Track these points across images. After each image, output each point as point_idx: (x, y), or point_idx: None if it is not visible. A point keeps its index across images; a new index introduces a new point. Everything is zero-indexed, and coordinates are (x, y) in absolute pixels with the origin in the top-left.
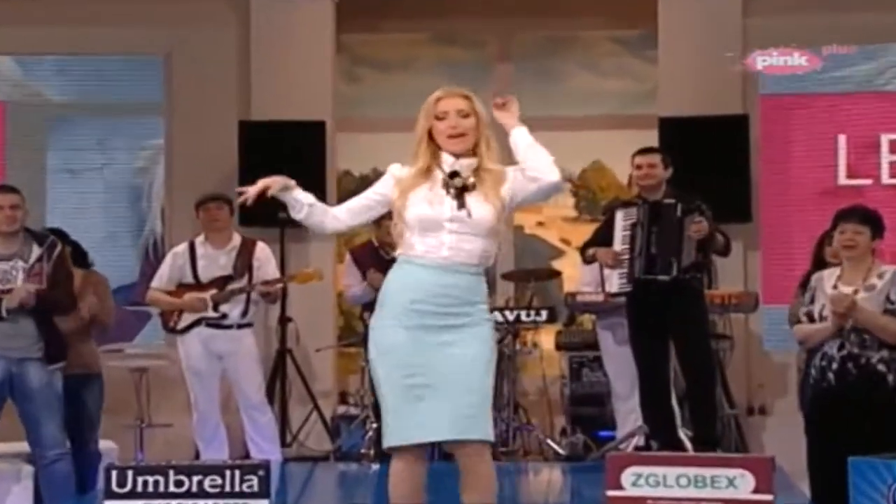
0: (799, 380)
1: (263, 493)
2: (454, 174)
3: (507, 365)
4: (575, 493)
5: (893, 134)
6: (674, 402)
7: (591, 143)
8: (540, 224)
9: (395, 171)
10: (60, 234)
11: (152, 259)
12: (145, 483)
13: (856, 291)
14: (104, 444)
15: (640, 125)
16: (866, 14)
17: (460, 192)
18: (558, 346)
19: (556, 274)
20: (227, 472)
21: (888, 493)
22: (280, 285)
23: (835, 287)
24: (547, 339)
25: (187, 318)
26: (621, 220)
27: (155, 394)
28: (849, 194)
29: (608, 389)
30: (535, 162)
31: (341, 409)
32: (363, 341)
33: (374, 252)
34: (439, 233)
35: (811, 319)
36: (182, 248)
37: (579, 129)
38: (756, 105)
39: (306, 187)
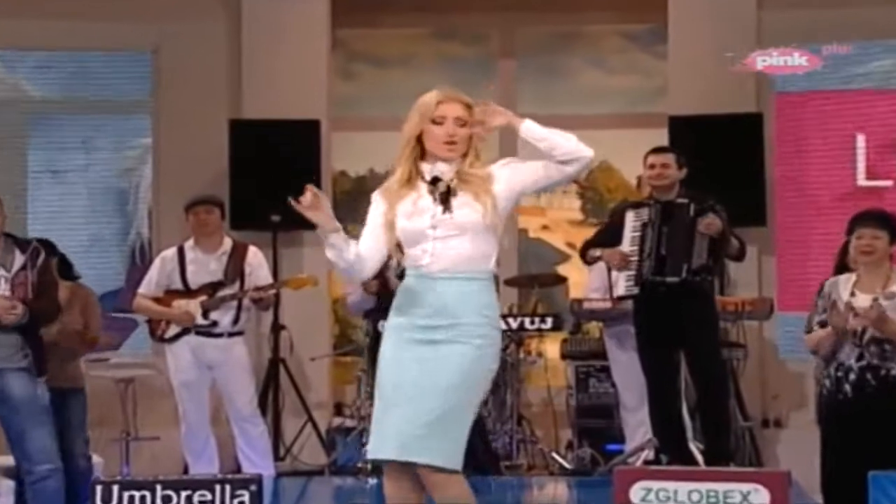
0: (817, 391)
1: None
2: (436, 180)
3: (510, 375)
4: None
5: None
6: (685, 413)
7: (597, 142)
8: (545, 227)
9: (377, 193)
10: (48, 245)
11: (139, 264)
12: (132, 498)
13: (875, 300)
14: None
15: (650, 124)
16: (887, 8)
17: (445, 197)
18: (564, 355)
19: (562, 280)
20: (218, 487)
21: None
22: (273, 291)
23: (852, 294)
24: (552, 347)
25: (175, 327)
26: (632, 221)
27: (142, 405)
28: (868, 196)
29: (616, 400)
30: (561, 144)
31: (337, 421)
32: (359, 350)
33: None
34: (423, 242)
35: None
36: (170, 252)
37: (585, 128)
38: (770, 103)
39: (300, 188)
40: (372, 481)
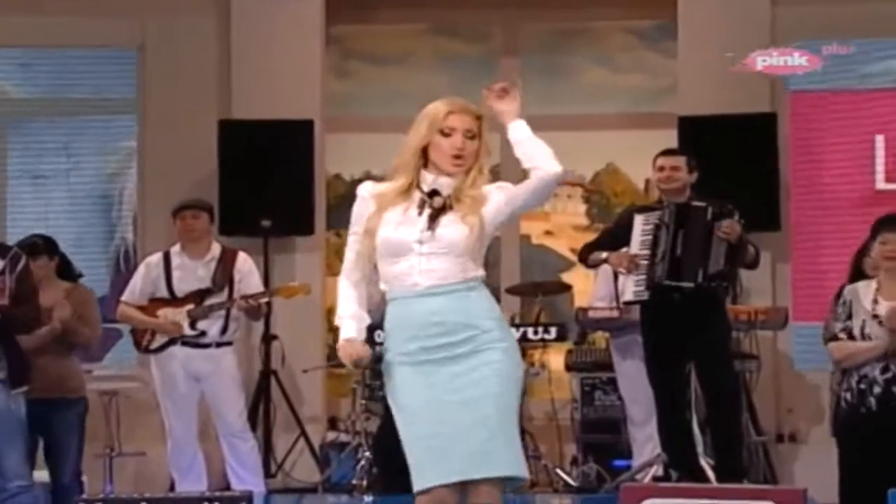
0: (833, 403)
1: None
2: (434, 193)
3: None
4: None
5: None
6: (695, 427)
7: (604, 144)
8: (548, 233)
9: (368, 189)
10: (49, 243)
11: (123, 271)
12: None
13: None
14: None
15: (658, 124)
16: None
17: (436, 213)
18: (568, 367)
19: (566, 288)
20: None
21: None
22: (264, 300)
23: (875, 302)
24: (556, 359)
25: (161, 337)
26: (641, 224)
27: (126, 419)
28: (888, 200)
29: (623, 414)
30: (534, 155)
31: (331, 436)
32: None
33: None
34: (408, 256)
35: (850, 337)
36: (156, 258)
37: (591, 128)
38: (785, 102)
39: (292, 192)
40: (367, 499)
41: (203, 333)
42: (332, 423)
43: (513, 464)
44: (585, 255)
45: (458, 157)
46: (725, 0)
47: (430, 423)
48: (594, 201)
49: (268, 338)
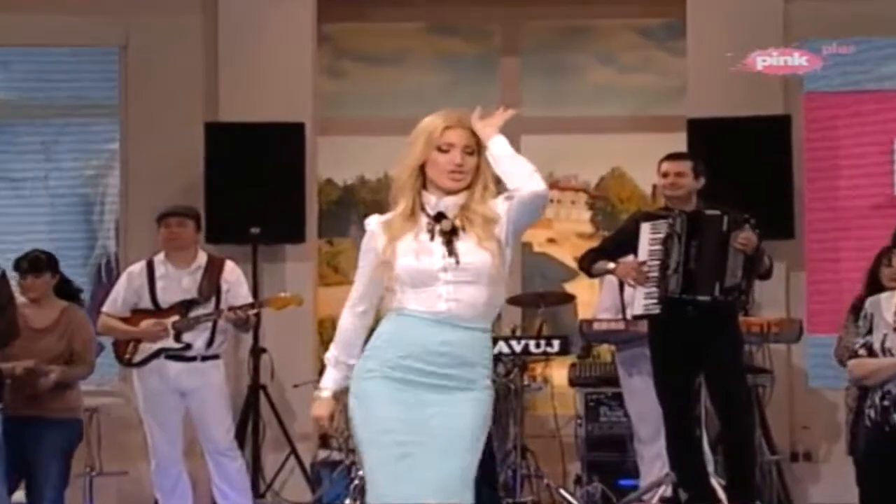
0: (849, 421)
1: None
2: (440, 216)
3: (513, 403)
4: None
5: None
6: (705, 445)
7: (609, 147)
8: (551, 241)
9: (375, 222)
10: (51, 261)
11: (105, 281)
12: None
13: None
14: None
15: (667, 127)
16: None
17: (449, 238)
18: (572, 382)
19: (570, 298)
20: None
21: None
22: (252, 311)
23: None
24: (559, 373)
25: (145, 350)
26: (649, 233)
27: (107, 437)
28: None
29: (630, 431)
30: (515, 175)
31: (322, 454)
32: None
33: None
34: (434, 285)
35: (871, 353)
36: (139, 267)
37: (596, 131)
38: (800, 104)
39: (283, 198)
40: None
41: (188, 346)
42: (324, 441)
43: (466, 495)
44: (588, 264)
45: (456, 172)
46: None
47: (398, 444)
48: (599, 208)
49: (256, 351)
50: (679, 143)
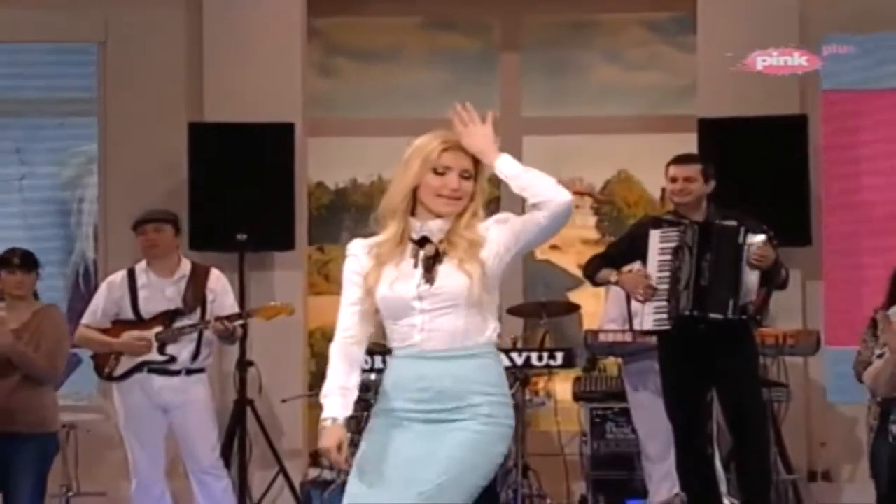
0: (870, 439)
1: None
2: (424, 240)
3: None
4: None
5: None
6: (718, 464)
7: (615, 149)
8: (554, 248)
9: (358, 247)
10: (30, 259)
11: (83, 290)
12: None
13: None
14: None
15: (676, 128)
16: None
17: (430, 263)
18: (577, 397)
19: (574, 308)
20: None
21: None
22: (239, 322)
23: None
24: (563, 387)
25: (126, 363)
26: (659, 242)
27: (85, 455)
28: None
29: (637, 449)
30: (537, 187)
31: (313, 473)
32: None
33: None
34: (410, 316)
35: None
36: (119, 276)
37: (602, 132)
38: (817, 103)
39: (271, 203)
40: None
41: (172, 359)
42: (315, 459)
43: None
44: (592, 271)
45: (451, 197)
46: None
47: (377, 474)
48: (605, 213)
49: (243, 364)
50: (689, 144)
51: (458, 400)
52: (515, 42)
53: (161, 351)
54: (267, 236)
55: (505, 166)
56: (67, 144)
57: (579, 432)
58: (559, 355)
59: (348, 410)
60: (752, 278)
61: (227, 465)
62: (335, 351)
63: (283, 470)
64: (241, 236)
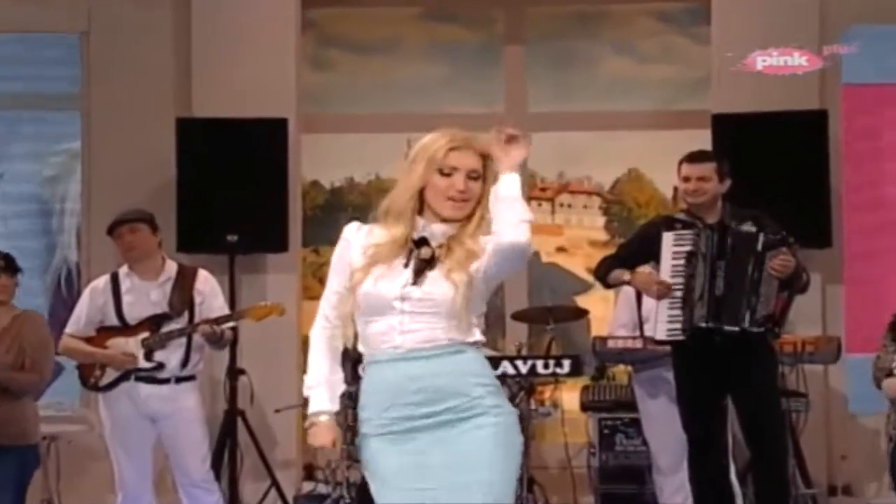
0: (889, 449)
1: None
2: (422, 241)
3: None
4: None
5: None
6: (733, 477)
7: (625, 146)
8: (561, 250)
9: (354, 232)
10: (9, 260)
11: (65, 295)
12: None
13: None
14: None
15: (689, 124)
16: None
17: (422, 267)
18: (585, 406)
19: (582, 313)
20: None
21: None
22: (229, 324)
23: None
24: (570, 396)
25: (112, 372)
26: (672, 246)
27: (67, 468)
28: None
29: (648, 461)
30: (503, 217)
31: (307, 486)
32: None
33: None
34: (387, 315)
35: None
36: (102, 281)
37: (611, 128)
38: (837, 98)
39: (263, 202)
40: None
41: (161, 366)
42: (309, 472)
43: None
44: (603, 272)
45: (458, 199)
46: None
47: (406, 490)
48: (614, 213)
49: (234, 371)
50: (703, 140)
51: (459, 396)
52: (519, 34)
53: (148, 358)
54: (259, 237)
55: (505, 185)
56: (49, 141)
57: (587, 444)
58: (566, 363)
59: (336, 405)
60: (770, 288)
61: (218, 477)
62: (317, 340)
63: (275, 483)
64: (232, 237)
